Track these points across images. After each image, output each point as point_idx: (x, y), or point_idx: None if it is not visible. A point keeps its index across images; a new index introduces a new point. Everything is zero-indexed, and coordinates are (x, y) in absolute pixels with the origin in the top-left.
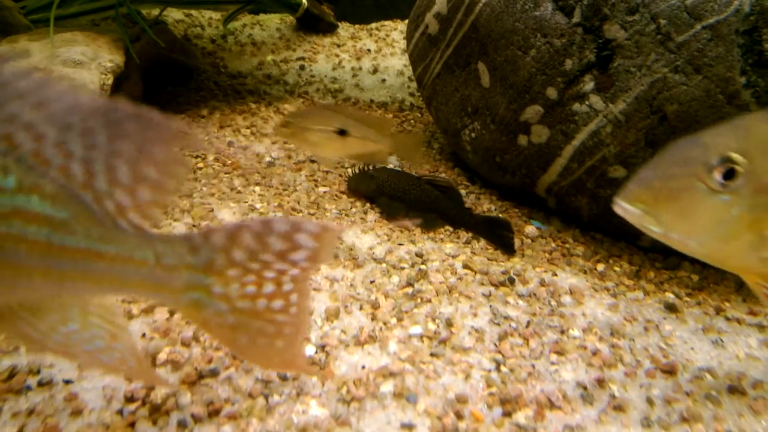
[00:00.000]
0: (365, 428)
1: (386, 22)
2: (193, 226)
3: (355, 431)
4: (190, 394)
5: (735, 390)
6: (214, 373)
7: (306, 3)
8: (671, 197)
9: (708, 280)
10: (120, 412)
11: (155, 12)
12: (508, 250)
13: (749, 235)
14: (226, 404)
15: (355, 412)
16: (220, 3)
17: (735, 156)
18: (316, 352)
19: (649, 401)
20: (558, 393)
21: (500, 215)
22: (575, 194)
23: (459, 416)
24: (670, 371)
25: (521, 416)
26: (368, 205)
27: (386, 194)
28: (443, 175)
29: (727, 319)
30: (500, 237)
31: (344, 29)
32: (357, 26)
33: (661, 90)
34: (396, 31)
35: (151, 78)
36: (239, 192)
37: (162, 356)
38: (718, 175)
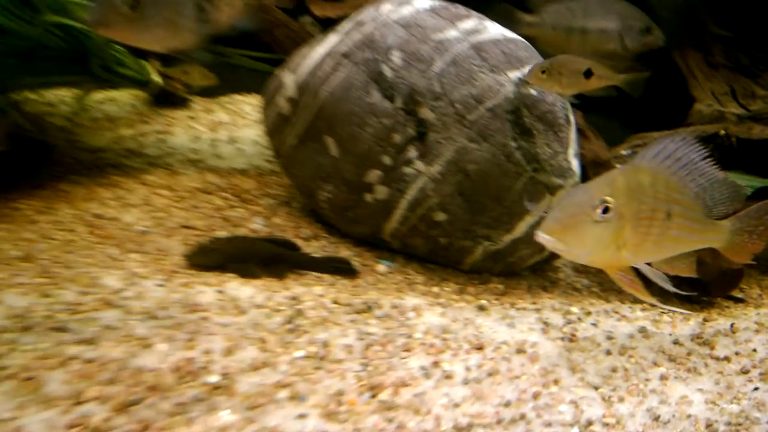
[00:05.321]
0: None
1: (235, 96)
2: (83, 293)
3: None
4: None
5: (520, 351)
6: None
7: (160, 80)
8: (572, 228)
9: (510, 287)
10: None
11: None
12: (351, 273)
13: (614, 245)
14: None
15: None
16: (71, 84)
17: (608, 198)
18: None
19: (467, 368)
20: (407, 376)
21: (335, 255)
22: (413, 236)
23: (339, 404)
24: (479, 348)
25: (384, 395)
26: None
27: (236, 260)
28: (303, 230)
29: (518, 309)
30: (340, 268)
31: (196, 102)
32: (207, 99)
33: (463, 155)
34: (245, 103)
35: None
36: (118, 260)
37: None
38: (599, 211)
